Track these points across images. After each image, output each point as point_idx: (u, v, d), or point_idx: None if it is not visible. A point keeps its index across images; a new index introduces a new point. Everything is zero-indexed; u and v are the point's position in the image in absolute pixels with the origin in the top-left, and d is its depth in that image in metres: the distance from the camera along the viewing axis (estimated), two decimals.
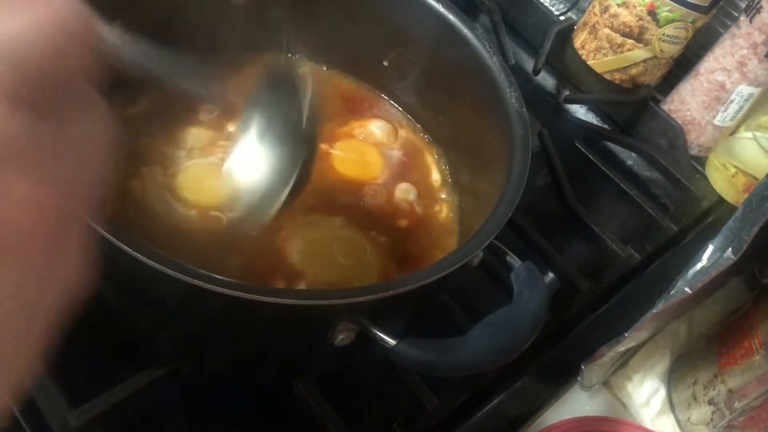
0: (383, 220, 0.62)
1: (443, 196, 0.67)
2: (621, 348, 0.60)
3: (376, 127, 0.70)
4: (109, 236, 0.40)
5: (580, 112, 0.94)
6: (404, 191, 0.65)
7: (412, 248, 0.62)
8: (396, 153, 0.69)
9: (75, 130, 0.23)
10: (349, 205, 0.62)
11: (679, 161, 0.88)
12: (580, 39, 0.92)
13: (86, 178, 0.24)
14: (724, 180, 0.85)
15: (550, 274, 0.71)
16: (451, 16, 0.64)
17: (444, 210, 0.66)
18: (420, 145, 0.71)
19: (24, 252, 0.21)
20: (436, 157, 0.70)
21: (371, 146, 0.68)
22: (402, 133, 0.71)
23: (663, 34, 0.84)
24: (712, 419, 0.62)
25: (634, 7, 0.84)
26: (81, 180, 0.23)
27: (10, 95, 0.20)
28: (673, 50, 0.86)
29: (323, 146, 0.66)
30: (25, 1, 0.22)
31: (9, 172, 0.20)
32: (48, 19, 0.22)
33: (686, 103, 0.88)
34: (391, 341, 0.44)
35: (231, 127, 0.63)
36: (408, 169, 0.68)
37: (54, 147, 0.22)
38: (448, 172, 0.69)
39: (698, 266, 0.53)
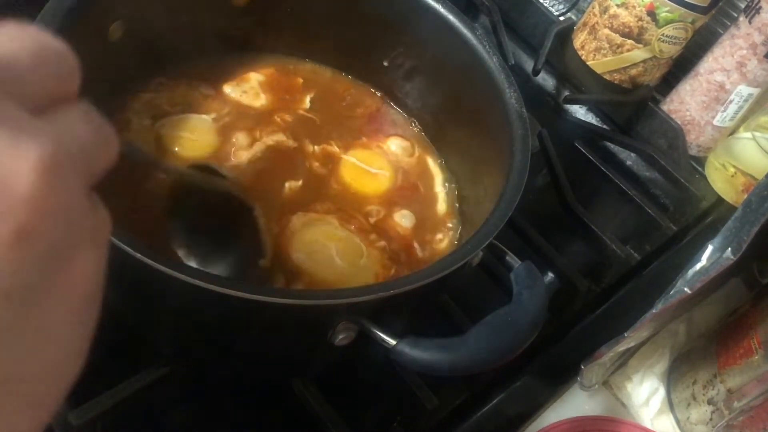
0: (382, 228, 0.62)
1: (445, 206, 0.67)
2: (620, 348, 0.60)
3: (392, 144, 0.69)
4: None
5: (579, 112, 0.94)
6: (403, 216, 0.64)
7: (411, 251, 0.61)
8: (400, 159, 0.69)
9: None
10: (350, 213, 0.62)
11: (679, 161, 0.88)
12: (579, 39, 0.92)
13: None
14: (723, 180, 0.85)
15: (550, 274, 0.71)
16: (450, 17, 0.64)
17: (446, 239, 0.65)
18: (421, 146, 0.71)
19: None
20: (435, 152, 0.70)
21: (383, 159, 0.68)
22: (402, 134, 0.71)
23: (662, 35, 0.84)
24: (711, 419, 0.62)
25: (634, 7, 0.84)
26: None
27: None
28: (672, 50, 0.86)
29: (336, 150, 0.66)
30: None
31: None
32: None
33: (686, 103, 0.88)
34: (391, 341, 0.44)
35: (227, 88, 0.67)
36: (410, 174, 0.68)
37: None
38: (448, 172, 0.69)
39: (698, 266, 0.53)
